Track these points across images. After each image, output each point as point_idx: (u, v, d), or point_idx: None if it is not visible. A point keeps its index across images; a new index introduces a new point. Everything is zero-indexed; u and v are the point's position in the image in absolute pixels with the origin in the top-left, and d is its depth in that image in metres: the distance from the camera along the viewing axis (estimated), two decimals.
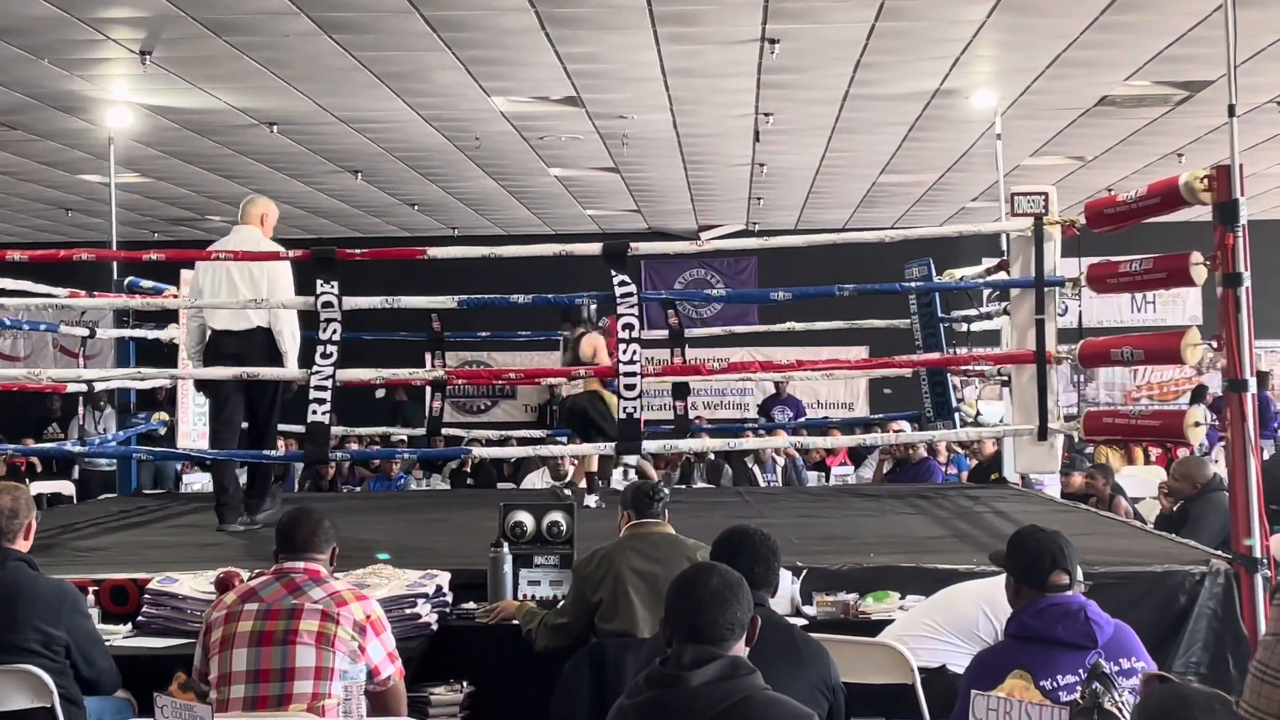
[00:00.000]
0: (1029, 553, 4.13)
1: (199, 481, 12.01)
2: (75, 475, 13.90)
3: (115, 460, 11.27)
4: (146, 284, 9.91)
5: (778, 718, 3.02)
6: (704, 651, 3.09)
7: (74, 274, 10.34)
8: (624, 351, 7.40)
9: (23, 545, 4.80)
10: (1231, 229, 5.97)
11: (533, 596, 5.72)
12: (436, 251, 8.38)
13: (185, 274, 9.72)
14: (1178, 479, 8.54)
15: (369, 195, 16.34)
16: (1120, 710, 3.49)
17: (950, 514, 8.38)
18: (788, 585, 5.59)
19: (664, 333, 10.51)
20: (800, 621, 5.28)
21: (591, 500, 8.49)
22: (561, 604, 5.36)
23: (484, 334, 12.83)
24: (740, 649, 3.17)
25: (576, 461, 9.58)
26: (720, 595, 3.15)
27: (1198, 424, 6.57)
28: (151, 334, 10.11)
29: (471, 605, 5.67)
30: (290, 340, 7.81)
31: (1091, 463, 10.89)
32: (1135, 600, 5.64)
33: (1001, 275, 8.91)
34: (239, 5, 8.80)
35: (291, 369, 7.70)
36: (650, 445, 8.04)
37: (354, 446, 11.83)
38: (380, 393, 17.52)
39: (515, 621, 5.43)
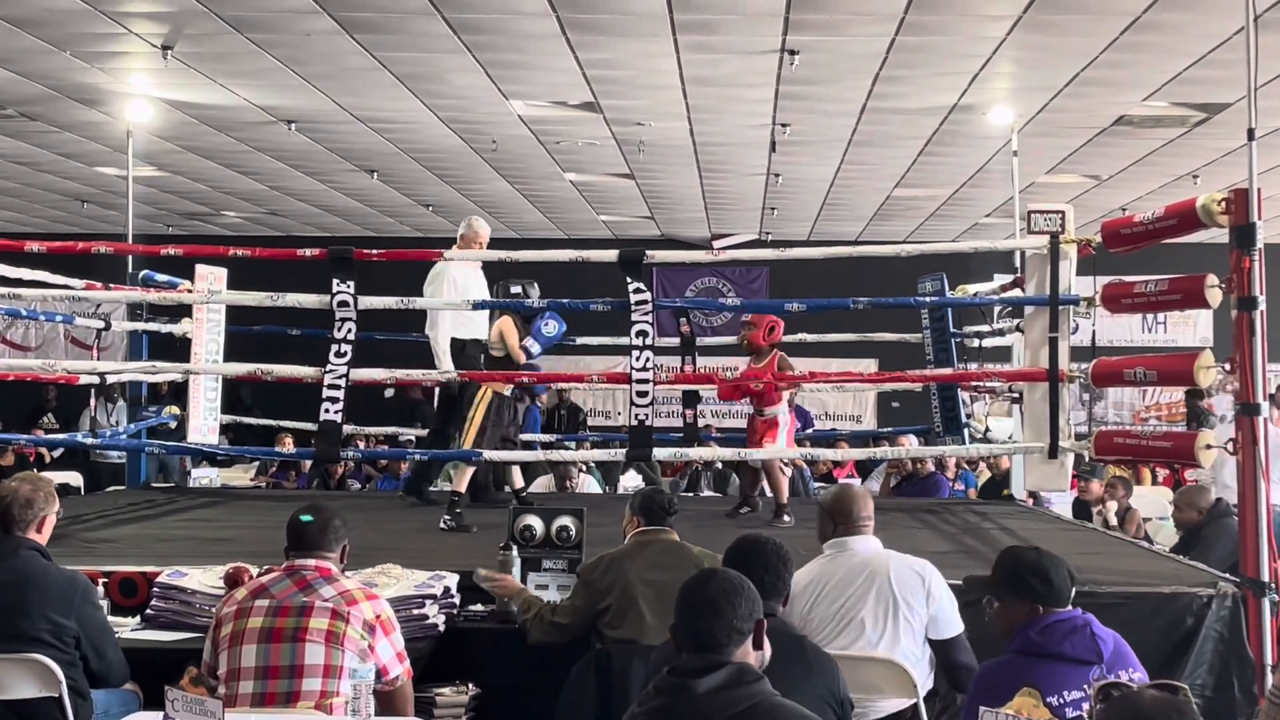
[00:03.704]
0: (1047, 571, 4.11)
1: (208, 476, 12.03)
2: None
3: (125, 453, 11.30)
4: (161, 278, 9.94)
5: None
6: (708, 659, 3.11)
7: (87, 266, 10.36)
8: (637, 358, 7.42)
9: (36, 537, 4.80)
10: (1248, 252, 5.97)
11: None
12: (454, 253, 8.44)
13: (200, 269, 9.75)
14: (1182, 508, 8.56)
15: (384, 195, 16.38)
16: None
17: (958, 529, 8.38)
18: None
19: (675, 340, 10.52)
20: None
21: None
22: (563, 603, 5.35)
23: None
24: (747, 653, 3.18)
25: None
26: (716, 603, 3.17)
27: (1208, 446, 6.55)
28: (165, 328, 10.14)
29: (479, 607, 5.68)
30: (435, 346, 8.64)
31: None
32: (1142, 621, 5.64)
33: (1015, 292, 8.91)
34: (261, 3, 8.83)
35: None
36: (660, 452, 8.06)
37: (361, 445, 11.85)
38: (389, 393, 17.51)
39: (512, 605, 5.45)
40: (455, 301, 8.43)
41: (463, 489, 8.09)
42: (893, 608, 4.69)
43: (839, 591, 4.71)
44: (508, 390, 8.26)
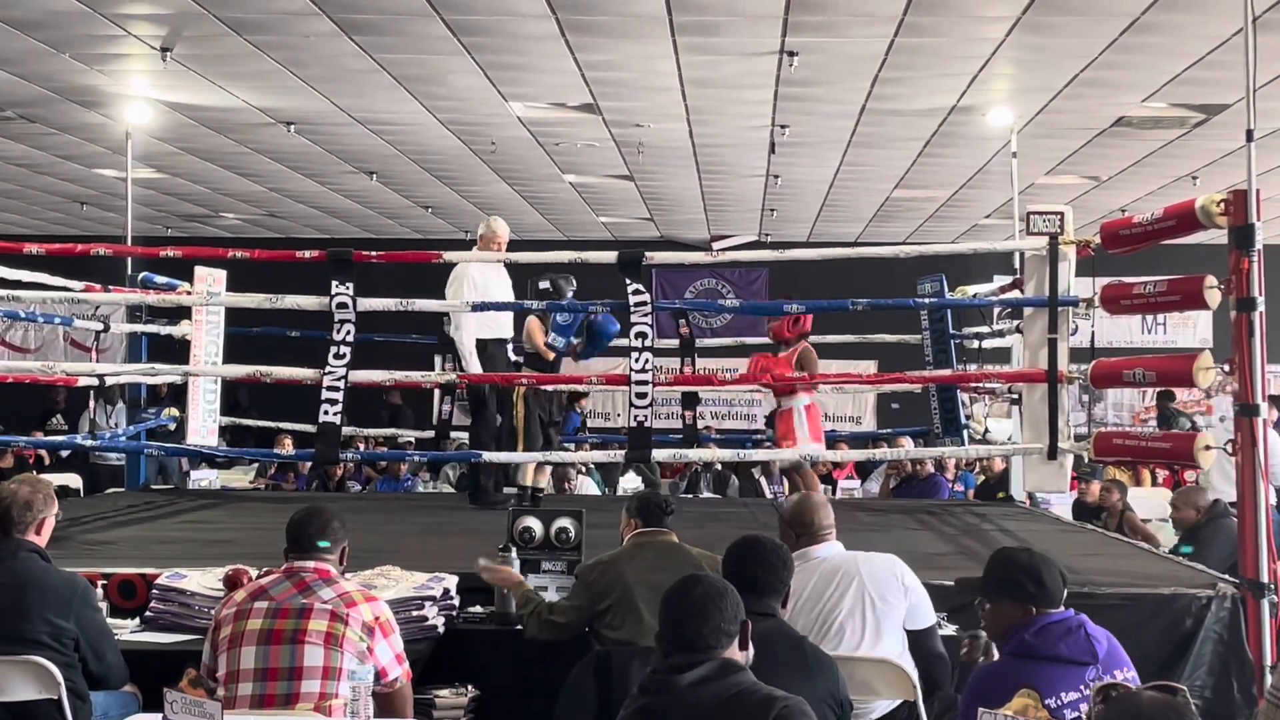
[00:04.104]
0: (1040, 572, 4.11)
1: (207, 478, 12.03)
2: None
3: (124, 454, 11.30)
4: (160, 280, 9.94)
5: (770, 705, 3.10)
6: (692, 657, 3.18)
7: (87, 268, 10.40)
8: (636, 360, 7.42)
9: (35, 540, 4.80)
10: (1246, 253, 5.98)
11: None
12: (452, 255, 8.46)
13: (199, 270, 9.75)
14: (1180, 507, 8.57)
15: (383, 197, 16.38)
16: None
17: (957, 531, 8.38)
18: None
19: (674, 342, 10.52)
20: None
21: None
22: (561, 602, 5.35)
23: None
24: (733, 654, 3.25)
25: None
26: (703, 605, 3.24)
27: (1208, 448, 6.56)
28: (164, 330, 10.14)
29: (477, 609, 5.67)
30: (460, 348, 8.62)
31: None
32: (1141, 622, 5.65)
33: (1015, 293, 8.91)
34: (260, 5, 8.83)
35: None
36: (659, 454, 8.06)
37: (361, 447, 11.86)
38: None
39: (510, 597, 5.44)
40: (455, 304, 8.43)
41: (528, 483, 8.46)
42: (870, 606, 4.69)
43: (814, 599, 4.71)
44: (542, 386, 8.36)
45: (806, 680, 3.77)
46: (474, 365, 8.57)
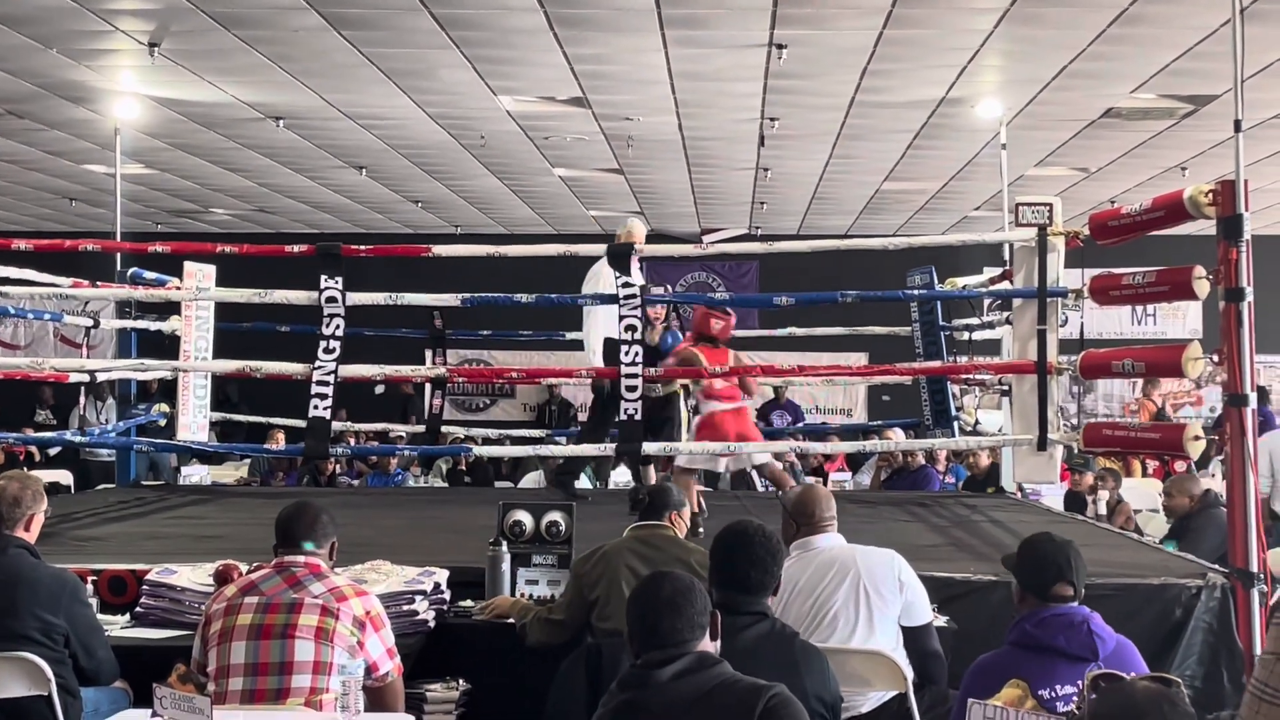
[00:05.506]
0: (1035, 561, 4.13)
1: (197, 474, 12.01)
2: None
3: (115, 451, 11.29)
4: (149, 275, 9.92)
5: (756, 695, 3.13)
6: (668, 653, 3.22)
7: (76, 264, 10.39)
8: (626, 353, 7.43)
9: (25, 536, 4.79)
10: (1235, 244, 6.00)
11: (530, 595, 5.72)
12: (442, 249, 8.45)
13: (189, 266, 9.74)
14: (1173, 494, 8.57)
15: (373, 191, 16.35)
16: None
17: (948, 522, 8.39)
18: None
19: None
20: None
21: None
22: (557, 600, 5.36)
23: (485, 333, 12.84)
24: (705, 645, 3.28)
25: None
26: (673, 602, 3.28)
27: (1197, 438, 6.57)
28: (154, 325, 10.12)
29: (469, 603, 5.68)
30: (586, 343, 8.71)
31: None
32: (1131, 612, 5.65)
33: (1004, 285, 8.92)
34: None
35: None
36: (649, 447, 8.06)
37: (352, 441, 11.85)
38: (380, 389, 17.51)
39: (510, 620, 5.44)
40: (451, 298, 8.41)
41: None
42: (865, 599, 4.69)
43: (809, 589, 4.72)
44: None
45: (796, 678, 3.76)
46: (598, 362, 8.55)
